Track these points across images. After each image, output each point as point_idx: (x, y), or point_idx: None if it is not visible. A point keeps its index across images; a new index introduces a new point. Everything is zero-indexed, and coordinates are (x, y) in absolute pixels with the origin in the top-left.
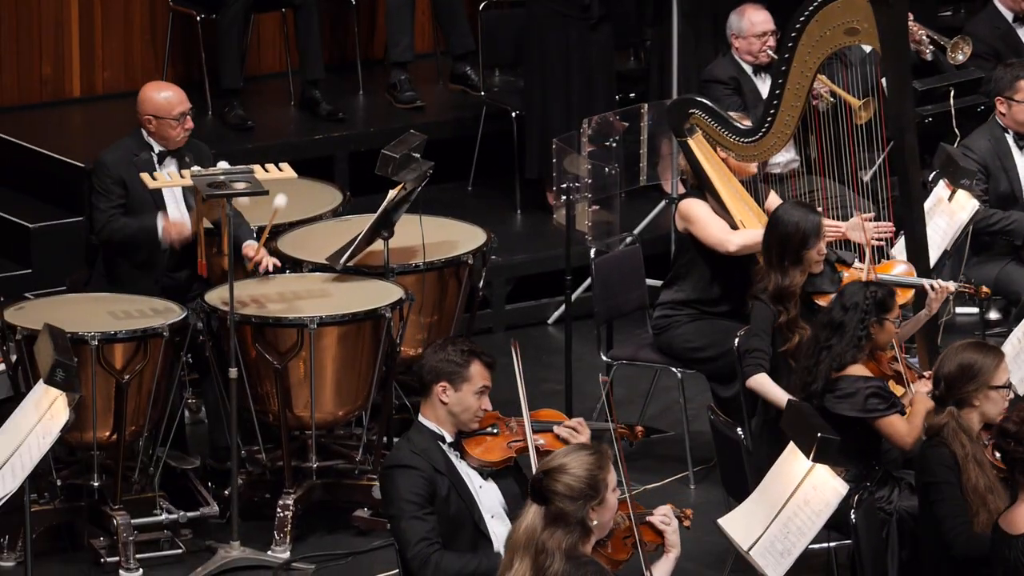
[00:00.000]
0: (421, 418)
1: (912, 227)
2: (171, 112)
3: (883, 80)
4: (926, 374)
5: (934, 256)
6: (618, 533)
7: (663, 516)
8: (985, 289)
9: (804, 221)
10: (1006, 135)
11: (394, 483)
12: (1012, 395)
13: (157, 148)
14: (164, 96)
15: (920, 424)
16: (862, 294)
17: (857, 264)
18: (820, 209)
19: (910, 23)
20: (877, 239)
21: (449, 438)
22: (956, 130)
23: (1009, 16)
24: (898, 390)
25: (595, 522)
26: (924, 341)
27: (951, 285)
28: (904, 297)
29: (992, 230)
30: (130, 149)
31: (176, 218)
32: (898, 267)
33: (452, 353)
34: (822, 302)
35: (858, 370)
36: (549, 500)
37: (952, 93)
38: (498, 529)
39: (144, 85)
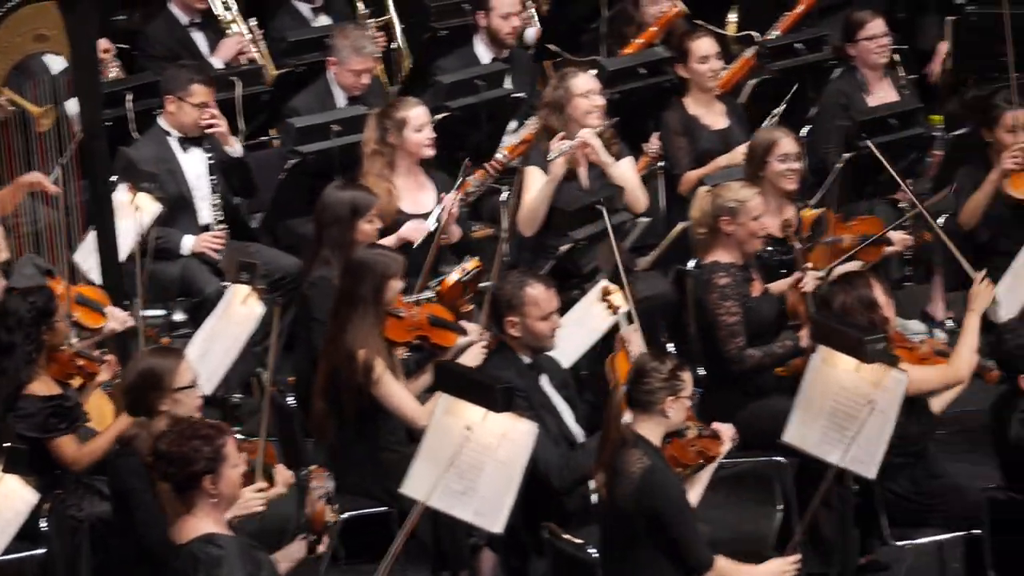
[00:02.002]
0: None
1: (103, 230)
2: None
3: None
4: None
5: None
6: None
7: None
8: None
9: None
10: (169, 137)
11: None
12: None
13: None
14: None
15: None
16: (23, 308)
17: None
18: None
19: None
20: None
21: None
22: (135, 134)
23: (184, 19)
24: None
25: None
26: None
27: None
28: None
29: None
30: None
31: None
32: None
33: None
34: None
35: (39, 387)
36: None
37: (131, 97)
38: None
39: None
